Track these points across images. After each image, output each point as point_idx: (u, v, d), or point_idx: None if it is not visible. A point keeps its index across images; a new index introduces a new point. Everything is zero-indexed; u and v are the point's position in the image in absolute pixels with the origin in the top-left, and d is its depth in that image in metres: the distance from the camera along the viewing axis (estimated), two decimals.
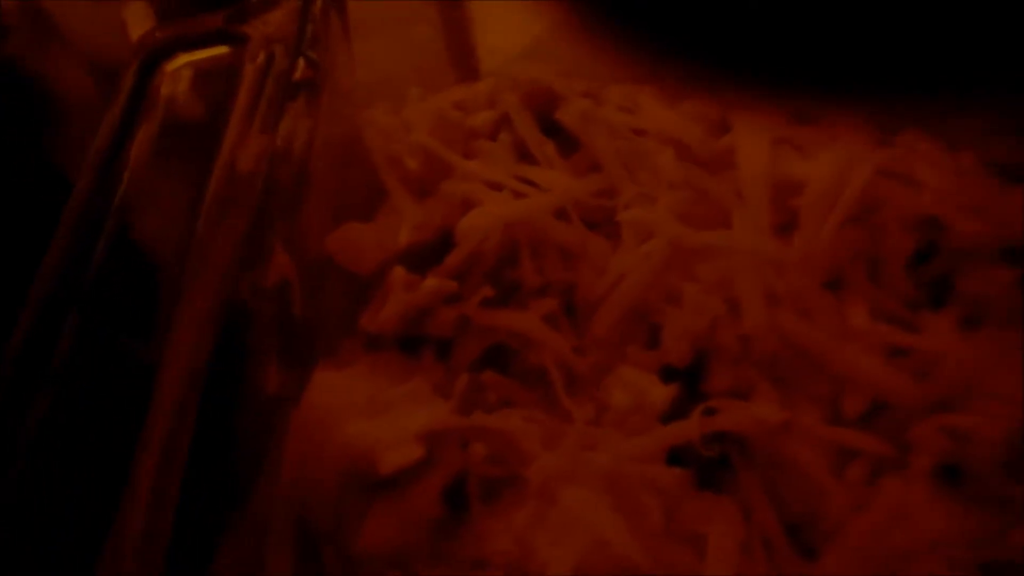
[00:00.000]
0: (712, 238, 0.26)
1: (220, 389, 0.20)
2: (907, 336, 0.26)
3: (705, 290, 0.26)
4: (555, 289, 0.26)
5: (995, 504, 0.24)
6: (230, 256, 0.20)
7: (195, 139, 0.22)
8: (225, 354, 0.20)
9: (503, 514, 0.22)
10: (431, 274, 0.26)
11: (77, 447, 0.19)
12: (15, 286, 0.22)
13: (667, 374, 0.25)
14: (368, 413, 0.24)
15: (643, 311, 0.26)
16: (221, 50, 0.24)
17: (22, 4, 0.42)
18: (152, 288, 0.21)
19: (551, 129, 0.29)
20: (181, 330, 0.20)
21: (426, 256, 0.27)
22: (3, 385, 0.18)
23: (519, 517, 0.22)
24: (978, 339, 0.25)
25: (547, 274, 0.26)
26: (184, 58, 0.23)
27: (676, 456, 0.24)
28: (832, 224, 0.27)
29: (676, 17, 0.32)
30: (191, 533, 0.19)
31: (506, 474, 0.23)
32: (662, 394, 0.24)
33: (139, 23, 0.42)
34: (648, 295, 0.26)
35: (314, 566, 0.23)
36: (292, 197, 0.23)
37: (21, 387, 0.18)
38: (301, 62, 0.23)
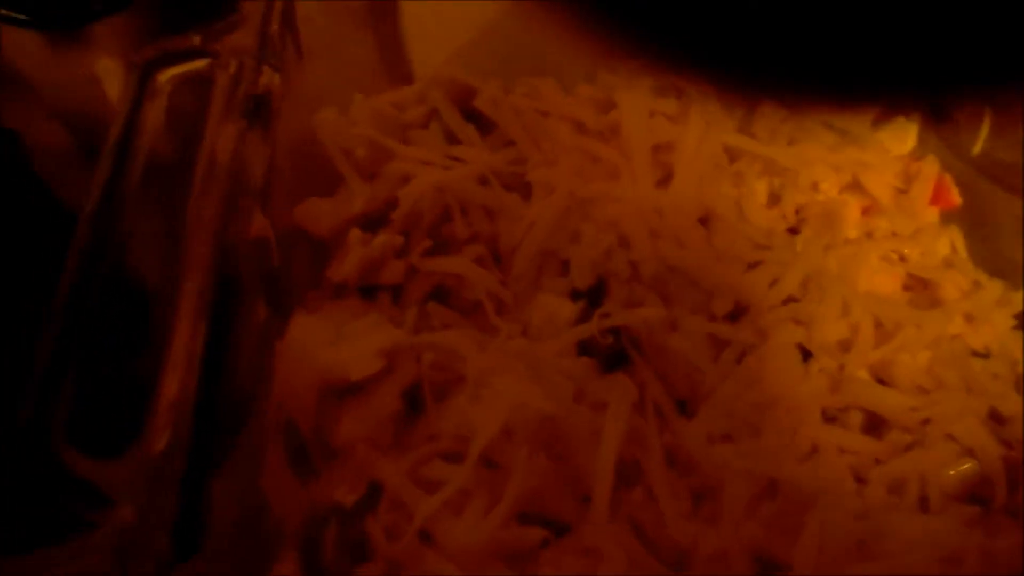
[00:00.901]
0: (605, 188, 0.33)
1: (221, 320, 0.26)
2: (762, 252, 0.33)
3: (600, 229, 0.32)
4: (482, 238, 0.33)
5: (832, 370, 0.30)
6: (219, 215, 0.26)
7: (185, 130, 0.28)
8: (223, 293, 0.26)
9: (449, 405, 0.28)
10: (381, 232, 0.32)
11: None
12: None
13: (575, 297, 0.32)
14: (337, 341, 0.30)
15: (552, 249, 0.32)
16: (201, 63, 0.30)
17: None
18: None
19: (471, 116, 0.36)
20: (188, 270, 0.25)
21: (375, 222, 0.33)
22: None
23: (460, 402, 0.28)
24: (812, 249, 0.32)
25: (475, 227, 0.33)
26: (172, 70, 0.29)
27: (585, 353, 0.30)
28: (699, 174, 0.34)
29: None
30: (205, 441, 0.24)
31: (451, 376, 0.29)
32: (571, 309, 0.31)
33: (111, 77, 0.47)
34: (555, 236, 0.32)
35: (302, 461, 0.28)
36: (263, 176, 0.30)
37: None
38: (266, 69, 0.29)
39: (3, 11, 0.40)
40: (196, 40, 0.30)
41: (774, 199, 0.35)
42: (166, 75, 0.29)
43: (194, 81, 0.30)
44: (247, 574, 0.25)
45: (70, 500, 0.21)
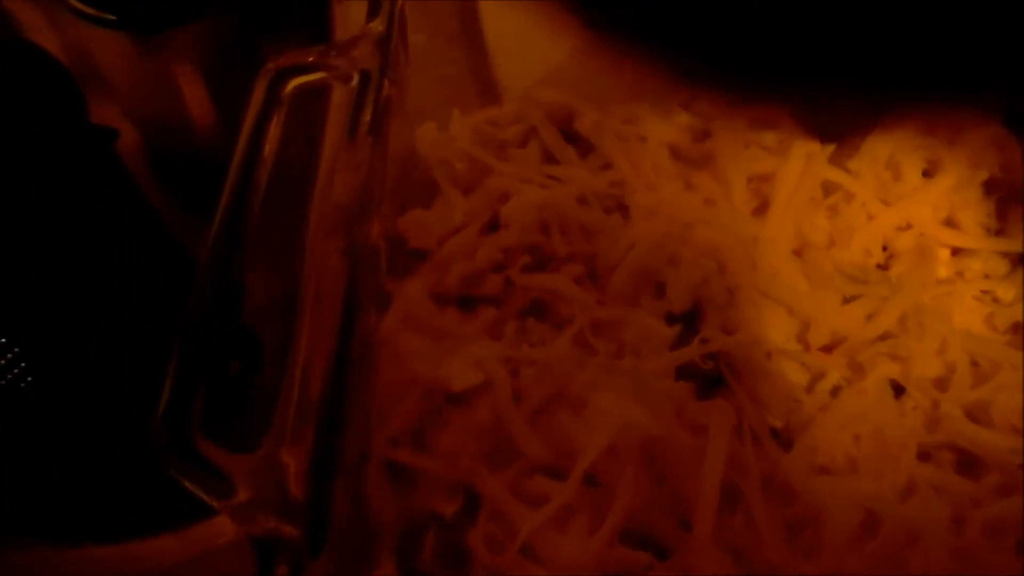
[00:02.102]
0: (703, 214, 0.34)
1: (345, 327, 0.26)
2: (858, 285, 0.33)
3: (698, 254, 0.33)
4: (579, 257, 0.33)
5: (927, 407, 0.30)
6: (350, 217, 0.27)
7: (306, 139, 0.29)
8: (347, 301, 0.26)
9: (549, 420, 0.29)
10: (482, 247, 0.33)
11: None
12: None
13: (670, 320, 0.32)
14: (438, 352, 0.30)
15: (650, 271, 0.33)
16: (323, 74, 0.31)
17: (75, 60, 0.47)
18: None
19: (570, 138, 0.36)
20: (312, 275, 0.26)
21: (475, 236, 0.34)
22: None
23: (561, 418, 0.28)
24: (909, 285, 0.32)
25: (573, 245, 0.33)
26: (296, 80, 0.30)
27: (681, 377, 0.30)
28: (796, 206, 0.35)
29: (682, 36, 0.39)
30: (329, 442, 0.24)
31: (550, 392, 0.30)
32: (668, 332, 0.31)
33: (188, 82, 0.48)
34: (653, 259, 0.33)
35: (399, 469, 0.29)
36: (379, 186, 0.30)
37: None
38: (387, 83, 0.30)
39: (91, 10, 0.41)
40: (316, 54, 0.31)
41: (865, 235, 0.35)
42: (290, 85, 0.30)
43: (314, 92, 0.31)
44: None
45: (206, 488, 0.22)
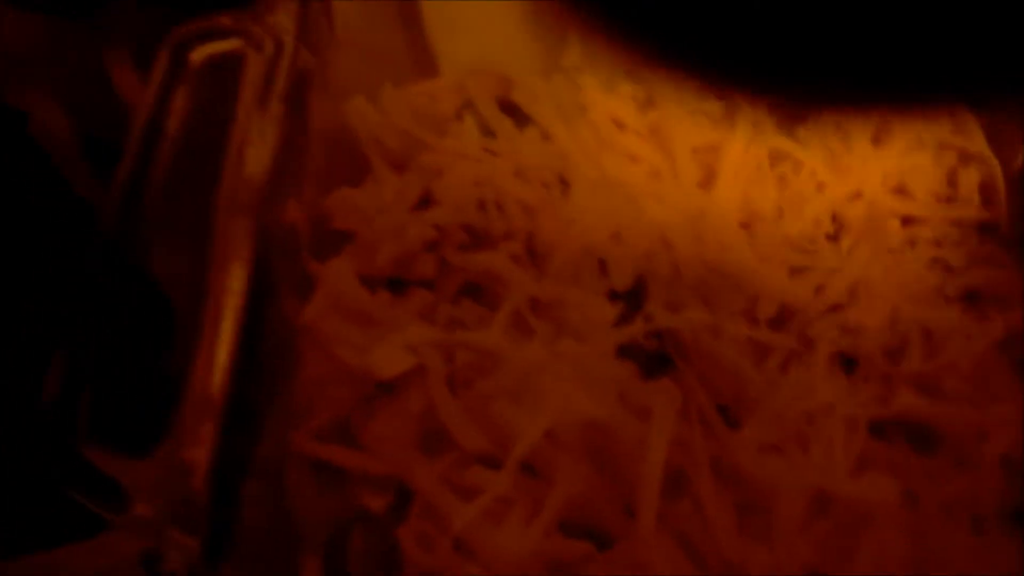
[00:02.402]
0: (647, 188, 0.32)
1: (255, 314, 0.24)
2: (806, 257, 0.32)
3: (643, 229, 0.31)
4: (518, 235, 0.32)
5: (878, 380, 0.29)
6: (257, 200, 0.25)
7: (217, 111, 0.27)
8: (256, 285, 0.24)
9: (483, 409, 0.27)
10: (414, 225, 0.31)
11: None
12: None
13: (613, 298, 0.31)
14: (366, 337, 0.28)
15: (591, 249, 0.31)
16: (234, 42, 0.29)
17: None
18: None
19: (507, 110, 0.35)
20: (220, 259, 0.24)
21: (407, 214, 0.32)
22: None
23: (499, 404, 0.26)
24: (858, 256, 0.31)
25: (511, 223, 0.32)
26: (204, 48, 0.28)
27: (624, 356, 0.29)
28: (743, 177, 0.33)
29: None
30: (234, 441, 0.23)
31: (486, 377, 0.28)
32: (610, 310, 0.30)
33: (118, 64, 0.45)
34: (594, 235, 0.31)
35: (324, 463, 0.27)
36: (297, 162, 0.28)
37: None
38: (304, 51, 0.28)
39: None
40: (228, 20, 0.29)
41: (814, 205, 0.34)
42: (198, 54, 0.28)
43: (226, 61, 0.28)
44: None
45: (93, 498, 0.19)
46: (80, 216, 0.41)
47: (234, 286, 0.23)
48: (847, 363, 0.30)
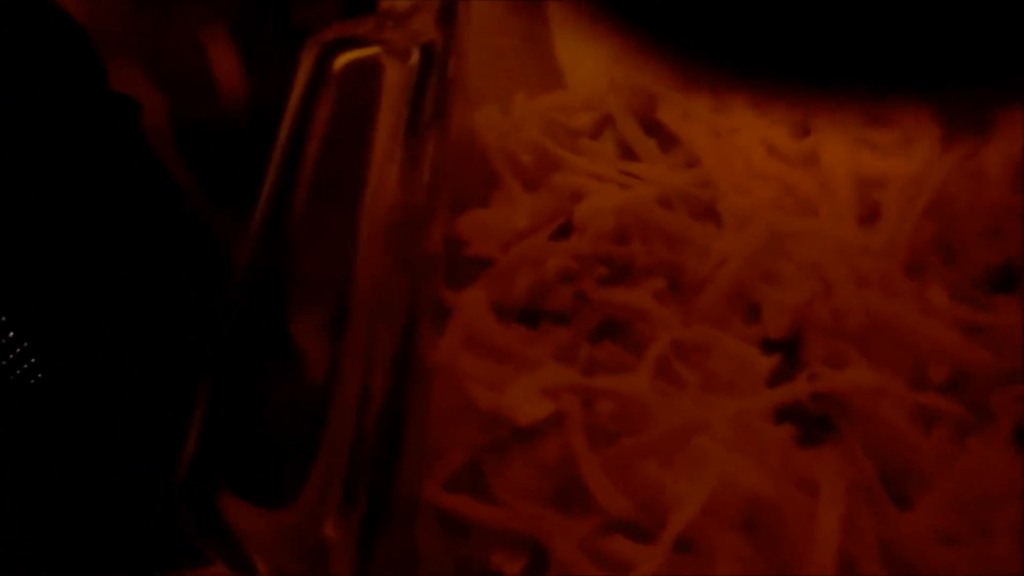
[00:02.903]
0: (805, 224, 0.29)
1: (397, 359, 0.22)
2: (982, 314, 0.28)
3: (800, 271, 0.28)
4: (662, 270, 0.29)
5: None
6: (409, 219, 0.23)
7: (359, 122, 0.25)
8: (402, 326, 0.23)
9: (627, 468, 0.25)
10: (552, 255, 0.29)
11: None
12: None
13: (766, 347, 0.28)
14: (501, 376, 0.26)
15: (743, 290, 0.29)
16: (374, 50, 0.27)
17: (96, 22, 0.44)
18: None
19: (650, 129, 0.32)
20: (362, 295, 0.22)
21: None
22: None
23: (647, 465, 0.24)
24: None
25: (655, 256, 0.29)
26: (347, 55, 0.26)
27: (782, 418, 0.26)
28: (913, 215, 0.30)
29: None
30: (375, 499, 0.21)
31: (628, 430, 0.26)
32: (766, 362, 0.27)
33: (215, 42, 0.44)
34: (748, 275, 0.28)
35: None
36: (439, 181, 0.26)
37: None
38: (452, 61, 0.26)
39: None
40: (370, 24, 0.27)
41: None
42: (341, 61, 0.26)
43: (368, 69, 0.26)
44: None
45: (230, 562, 0.18)
46: (179, 212, 0.40)
47: (384, 325, 0.21)
48: None
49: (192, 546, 0.20)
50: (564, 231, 0.29)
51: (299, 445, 0.20)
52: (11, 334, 0.34)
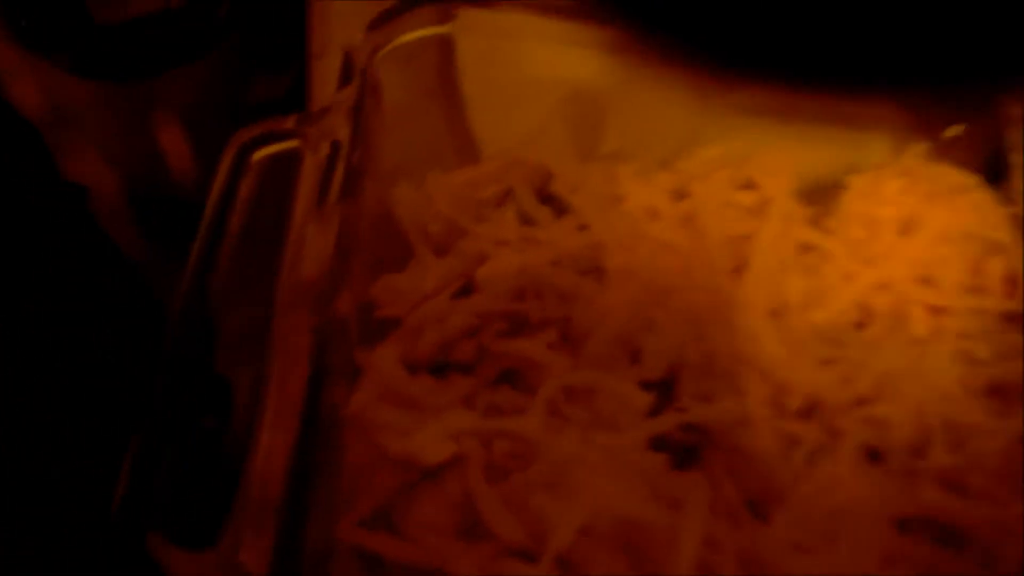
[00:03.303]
0: (681, 278, 0.33)
1: (311, 412, 0.26)
2: (834, 348, 0.33)
3: (676, 319, 0.32)
4: (554, 322, 0.33)
5: (904, 475, 0.30)
6: (318, 292, 0.26)
7: (275, 208, 0.29)
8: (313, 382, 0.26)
9: (520, 499, 0.28)
10: (455, 313, 0.32)
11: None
12: None
13: (645, 387, 0.32)
14: (409, 422, 0.30)
15: (625, 337, 0.32)
16: (292, 144, 0.31)
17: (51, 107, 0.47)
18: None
19: (546, 198, 0.36)
20: (280, 356, 0.26)
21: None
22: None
23: (535, 496, 0.28)
24: (885, 347, 0.32)
25: (548, 311, 0.33)
26: (265, 150, 0.30)
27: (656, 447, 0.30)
28: (773, 266, 0.34)
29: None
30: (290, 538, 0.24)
31: (521, 466, 0.29)
32: (644, 399, 0.31)
33: (167, 129, 0.48)
34: (629, 324, 0.32)
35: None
36: (350, 254, 0.30)
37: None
38: (359, 151, 0.30)
39: (69, 61, 0.41)
40: (292, 122, 0.31)
41: (842, 295, 0.35)
42: (259, 155, 0.30)
43: (285, 161, 0.30)
44: None
45: None
46: (129, 282, 0.44)
47: (291, 391, 0.24)
48: (874, 456, 0.31)
49: None
50: (467, 291, 0.33)
51: (218, 490, 0.23)
52: None
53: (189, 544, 0.22)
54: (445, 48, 0.38)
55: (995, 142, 0.37)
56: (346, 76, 0.32)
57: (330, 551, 0.26)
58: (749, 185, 0.36)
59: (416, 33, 0.36)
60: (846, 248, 0.35)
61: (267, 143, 0.30)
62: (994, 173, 0.38)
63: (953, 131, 0.38)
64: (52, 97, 0.46)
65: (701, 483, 0.28)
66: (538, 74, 0.39)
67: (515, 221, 0.36)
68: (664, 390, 0.32)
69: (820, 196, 0.36)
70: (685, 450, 0.30)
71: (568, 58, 0.39)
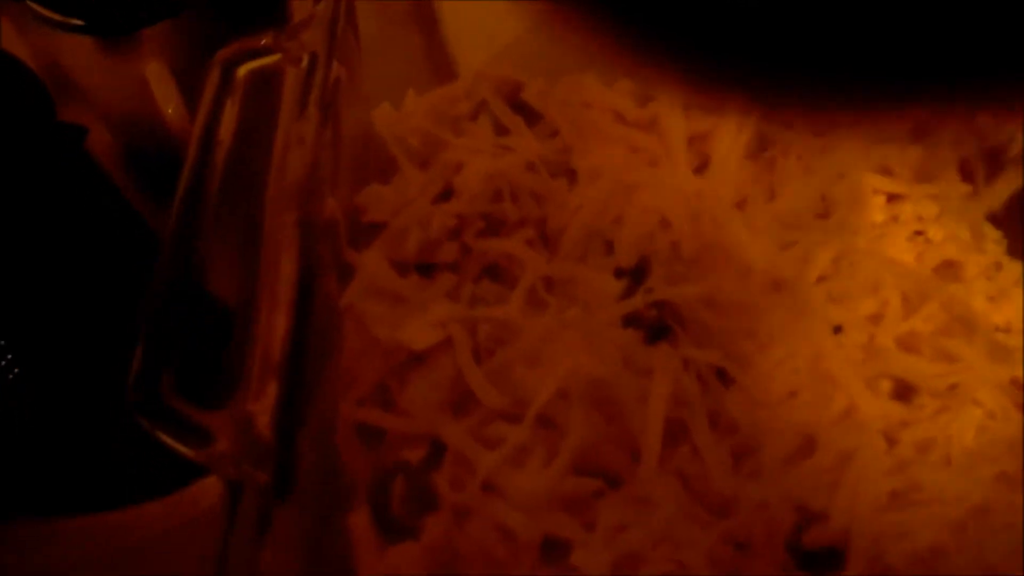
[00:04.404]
0: (647, 175, 0.35)
1: (304, 295, 0.28)
2: (793, 233, 0.35)
3: (642, 212, 0.34)
4: (530, 221, 0.35)
5: (864, 342, 0.32)
6: (303, 193, 0.28)
7: (260, 121, 0.31)
8: (304, 271, 0.28)
9: (503, 374, 0.31)
10: (436, 215, 0.34)
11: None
12: None
13: (619, 275, 0.34)
14: (399, 315, 0.32)
15: (597, 231, 0.35)
16: (274, 58, 0.32)
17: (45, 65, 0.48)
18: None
19: (518, 109, 0.38)
20: (270, 249, 0.28)
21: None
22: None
23: (517, 369, 0.30)
24: (844, 228, 0.34)
25: (524, 211, 0.35)
26: (248, 65, 0.32)
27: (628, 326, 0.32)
28: (735, 161, 0.36)
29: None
30: (291, 399, 0.26)
31: (505, 346, 0.31)
32: (616, 285, 0.33)
33: (159, 81, 0.49)
34: (600, 219, 0.34)
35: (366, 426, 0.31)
36: (333, 163, 0.32)
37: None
38: (335, 63, 0.32)
39: (58, 16, 0.42)
40: (269, 38, 0.33)
41: (802, 186, 0.37)
42: (243, 70, 0.32)
43: (268, 75, 0.32)
44: (326, 523, 0.28)
45: (181, 440, 0.23)
46: (129, 217, 0.46)
47: (284, 273, 0.27)
48: (837, 330, 0.33)
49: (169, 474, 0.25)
50: (447, 196, 0.35)
51: (224, 363, 0.26)
52: None
53: (203, 404, 0.24)
54: None
55: None
56: None
57: (333, 426, 0.29)
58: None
59: None
60: (805, 141, 0.37)
61: (249, 59, 0.32)
62: None
63: None
64: (41, 53, 0.48)
65: (669, 351, 0.30)
66: None
67: (490, 131, 0.37)
68: (636, 277, 0.34)
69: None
70: (656, 328, 0.32)
71: None
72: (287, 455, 0.24)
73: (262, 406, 0.24)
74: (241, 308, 0.27)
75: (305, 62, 0.32)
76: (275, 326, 0.26)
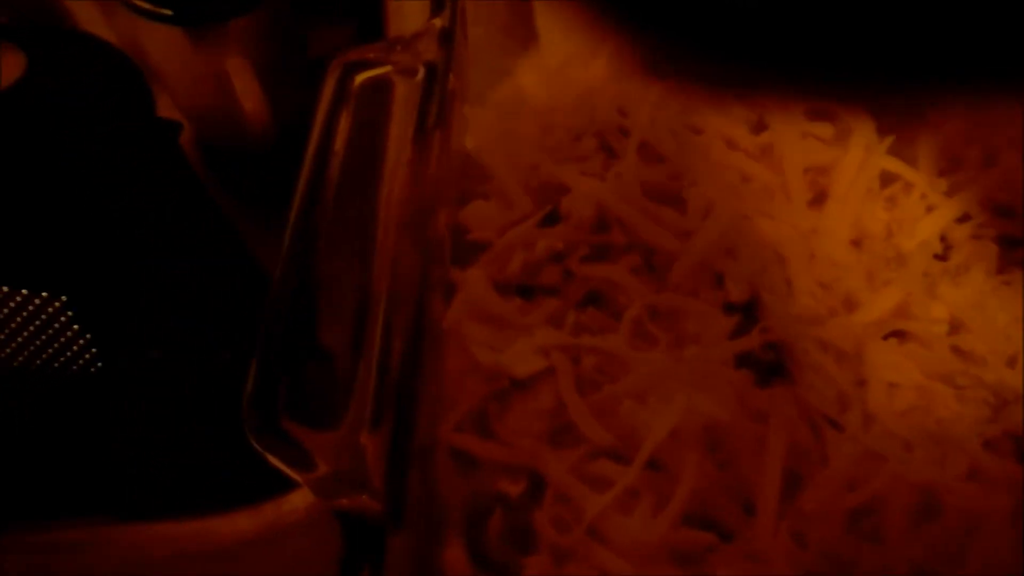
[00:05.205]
0: (759, 209, 0.34)
1: (415, 319, 0.27)
2: (892, 271, 0.33)
3: (757, 247, 0.33)
4: (637, 249, 0.34)
5: (989, 398, 0.30)
6: (412, 216, 0.27)
7: (372, 132, 0.30)
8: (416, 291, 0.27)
9: (609, 409, 0.30)
10: (542, 238, 0.33)
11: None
12: None
13: (729, 310, 0.33)
14: (501, 339, 0.31)
15: (708, 263, 0.33)
16: (385, 69, 0.32)
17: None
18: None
19: (625, 132, 0.37)
20: (382, 268, 0.27)
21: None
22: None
23: (625, 404, 0.29)
24: (968, 277, 0.33)
25: (630, 237, 0.34)
26: (362, 75, 0.31)
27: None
28: (853, 197, 0.35)
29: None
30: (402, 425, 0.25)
31: (610, 379, 0.30)
32: (727, 322, 0.32)
33: (240, 74, 0.49)
34: (712, 250, 0.33)
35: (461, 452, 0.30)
36: (444, 178, 0.31)
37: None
38: (452, 76, 0.31)
39: (147, 5, 0.42)
40: (383, 47, 0.32)
41: (923, 226, 0.35)
42: (358, 79, 0.31)
43: (378, 86, 0.32)
44: (422, 555, 0.27)
45: (293, 464, 0.23)
46: (214, 217, 0.46)
47: (404, 292, 0.26)
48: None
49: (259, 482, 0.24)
50: (552, 219, 0.34)
51: (337, 391, 0.25)
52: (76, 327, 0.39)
53: (316, 427, 0.24)
54: None
55: None
56: (437, 7, 0.33)
57: (432, 446, 0.28)
58: (826, 116, 0.36)
59: None
60: (928, 179, 0.35)
61: (362, 69, 0.31)
62: None
63: None
64: (126, 41, 0.48)
65: (786, 396, 0.29)
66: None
67: (597, 152, 0.36)
68: (747, 314, 0.32)
69: (899, 127, 0.36)
70: (768, 370, 0.31)
71: None
72: (400, 486, 0.23)
73: (377, 436, 0.23)
74: (352, 329, 0.26)
75: (421, 74, 0.31)
76: (393, 350, 0.25)
